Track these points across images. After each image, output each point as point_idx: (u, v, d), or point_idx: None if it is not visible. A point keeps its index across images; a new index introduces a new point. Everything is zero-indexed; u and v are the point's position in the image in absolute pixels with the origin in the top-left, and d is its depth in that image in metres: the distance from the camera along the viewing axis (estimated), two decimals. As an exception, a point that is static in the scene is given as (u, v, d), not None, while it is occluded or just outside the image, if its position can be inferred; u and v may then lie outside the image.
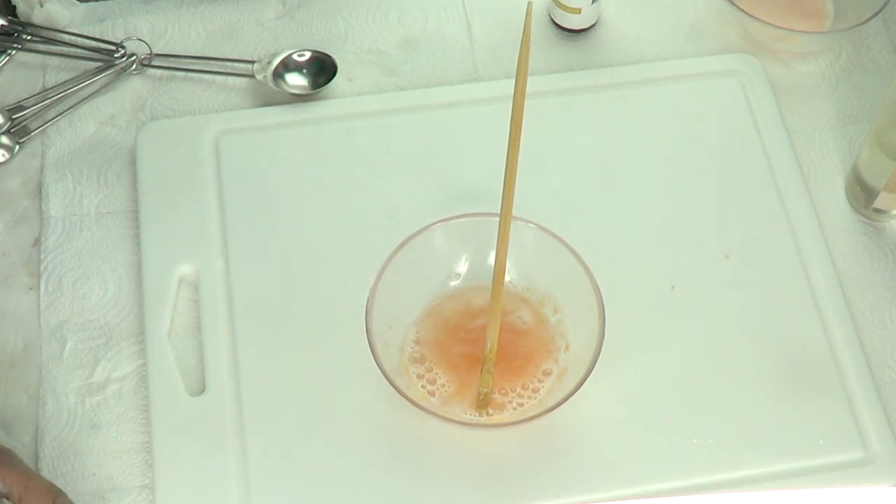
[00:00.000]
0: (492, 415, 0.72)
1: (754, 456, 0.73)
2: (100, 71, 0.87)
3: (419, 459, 0.72)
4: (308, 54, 0.88)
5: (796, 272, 0.80)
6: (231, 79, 0.88)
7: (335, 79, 0.87)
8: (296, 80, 0.87)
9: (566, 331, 0.75)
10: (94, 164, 0.84)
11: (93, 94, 0.87)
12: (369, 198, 0.82)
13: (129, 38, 0.88)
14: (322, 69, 0.87)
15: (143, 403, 0.75)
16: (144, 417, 0.74)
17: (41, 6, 0.89)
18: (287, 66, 0.87)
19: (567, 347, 0.74)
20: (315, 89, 0.86)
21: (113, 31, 0.90)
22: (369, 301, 0.71)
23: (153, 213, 0.81)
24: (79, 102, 0.86)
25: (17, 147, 0.84)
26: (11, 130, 0.84)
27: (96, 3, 0.91)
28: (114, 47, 0.88)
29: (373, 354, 0.69)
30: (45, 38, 0.89)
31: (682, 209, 0.82)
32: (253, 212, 0.81)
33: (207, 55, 0.89)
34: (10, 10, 0.90)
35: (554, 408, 0.69)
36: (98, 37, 0.89)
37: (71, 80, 0.87)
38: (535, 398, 0.73)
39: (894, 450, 0.73)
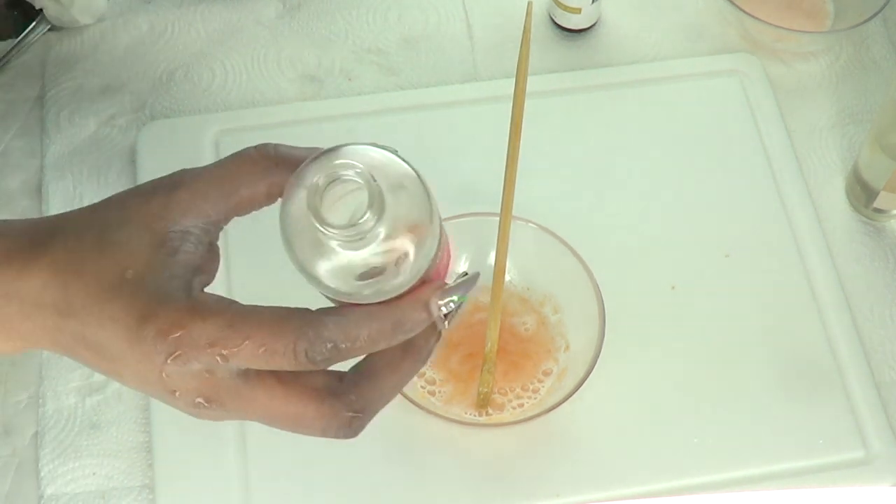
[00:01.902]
0: (492, 415, 0.72)
1: (754, 456, 0.73)
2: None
3: (419, 459, 0.72)
4: None
5: (796, 272, 0.80)
6: (231, 78, 0.88)
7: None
8: None
9: (566, 330, 0.75)
10: (94, 164, 0.84)
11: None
12: (369, 198, 0.82)
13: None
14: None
15: (144, 403, 0.74)
16: (144, 417, 0.74)
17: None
18: None
19: (567, 347, 0.74)
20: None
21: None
22: (369, 301, 0.71)
23: (153, 212, 0.81)
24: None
25: None
26: None
27: (96, 2, 0.92)
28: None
29: (373, 354, 0.69)
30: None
31: (682, 209, 0.82)
32: (253, 211, 0.81)
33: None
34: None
35: (554, 408, 0.69)
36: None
37: None
38: (535, 398, 0.73)
39: (894, 450, 0.73)
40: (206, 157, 0.83)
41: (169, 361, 0.46)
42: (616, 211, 0.82)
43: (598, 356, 0.70)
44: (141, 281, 0.46)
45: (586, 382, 0.69)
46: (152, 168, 0.83)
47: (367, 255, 0.47)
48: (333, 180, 0.46)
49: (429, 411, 0.69)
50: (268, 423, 0.48)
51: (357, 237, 0.46)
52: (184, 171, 0.50)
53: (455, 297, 0.49)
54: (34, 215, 0.82)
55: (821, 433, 0.74)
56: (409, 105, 0.87)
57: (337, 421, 0.47)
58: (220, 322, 0.46)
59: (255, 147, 0.51)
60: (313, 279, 0.48)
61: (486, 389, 0.72)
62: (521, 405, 0.73)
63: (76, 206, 0.81)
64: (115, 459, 0.73)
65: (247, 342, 0.45)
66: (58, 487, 0.72)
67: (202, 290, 0.48)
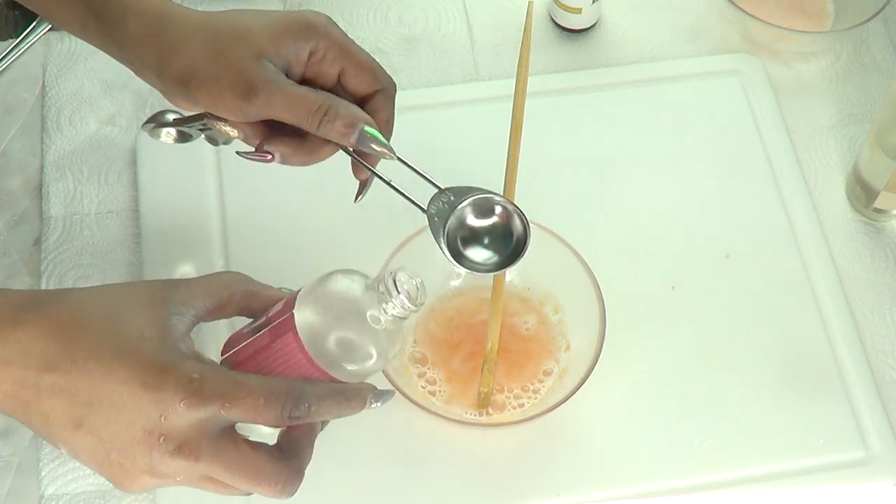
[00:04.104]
0: (492, 414, 0.72)
1: (754, 456, 0.73)
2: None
3: (419, 459, 0.72)
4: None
5: (797, 272, 0.80)
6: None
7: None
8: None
9: (567, 330, 0.75)
10: (94, 164, 0.84)
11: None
12: (370, 197, 0.82)
13: None
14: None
15: (144, 403, 0.74)
16: (145, 417, 0.74)
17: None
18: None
19: (568, 347, 0.74)
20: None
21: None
22: (370, 301, 0.71)
23: (153, 212, 0.81)
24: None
25: None
26: None
27: (96, 2, 0.91)
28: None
29: (373, 354, 0.69)
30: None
31: (682, 209, 0.82)
32: (253, 211, 0.81)
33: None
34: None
35: (554, 407, 0.69)
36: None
37: None
38: (536, 398, 0.73)
39: (894, 450, 0.73)
40: (206, 157, 0.83)
41: (181, 403, 0.52)
42: (616, 211, 0.82)
43: (598, 356, 0.70)
44: (161, 341, 0.54)
45: (587, 382, 0.69)
46: (152, 168, 0.83)
47: (385, 341, 0.58)
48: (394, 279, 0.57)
49: (429, 411, 0.69)
50: (229, 476, 0.55)
51: (406, 315, 0.57)
52: (178, 280, 0.60)
53: (380, 403, 0.58)
54: (35, 215, 0.82)
55: (821, 433, 0.74)
56: (410, 105, 0.86)
57: (290, 473, 0.56)
58: (229, 378, 0.54)
59: (228, 271, 0.63)
60: (341, 355, 0.57)
61: (486, 389, 0.72)
62: (522, 405, 0.73)
63: (77, 206, 0.82)
64: (115, 459, 0.73)
65: (248, 397, 0.54)
66: (58, 487, 0.72)
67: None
